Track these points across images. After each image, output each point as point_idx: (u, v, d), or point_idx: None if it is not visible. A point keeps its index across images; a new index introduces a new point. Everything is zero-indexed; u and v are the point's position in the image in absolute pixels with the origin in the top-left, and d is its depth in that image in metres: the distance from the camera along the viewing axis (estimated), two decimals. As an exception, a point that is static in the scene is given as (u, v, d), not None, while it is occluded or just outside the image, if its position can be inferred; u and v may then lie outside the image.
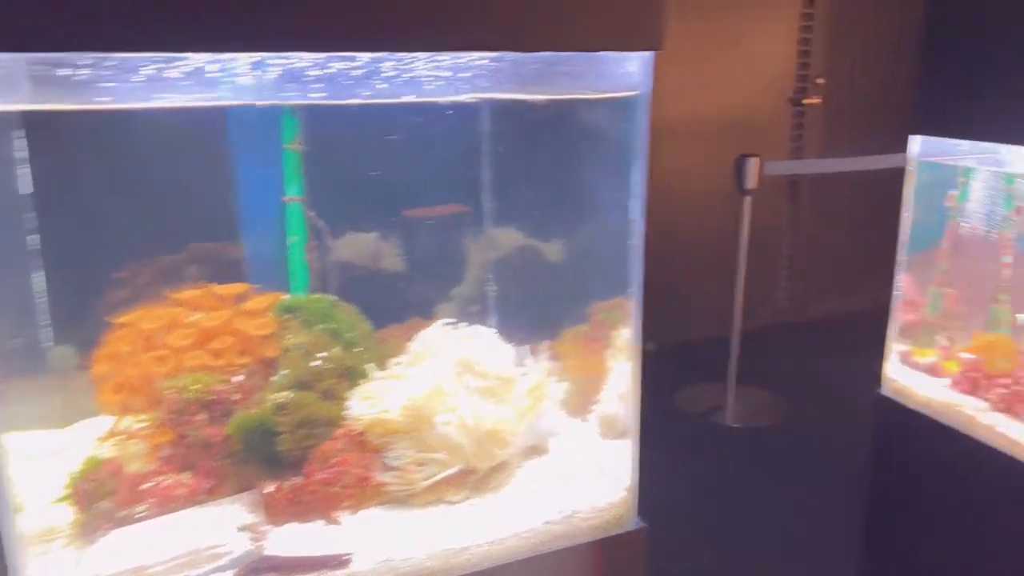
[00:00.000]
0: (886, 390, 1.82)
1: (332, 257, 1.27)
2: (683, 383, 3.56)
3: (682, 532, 2.43)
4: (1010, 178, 1.65)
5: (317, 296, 1.20)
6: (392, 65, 0.88)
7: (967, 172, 1.72)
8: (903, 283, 1.84)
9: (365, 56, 0.86)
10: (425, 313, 1.25)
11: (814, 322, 4.15)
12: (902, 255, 1.79)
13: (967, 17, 1.57)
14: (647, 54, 0.97)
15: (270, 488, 1.03)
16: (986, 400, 1.63)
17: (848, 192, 3.95)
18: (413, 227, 1.28)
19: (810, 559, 2.30)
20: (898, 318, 1.84)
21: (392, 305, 1.27)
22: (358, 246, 1.30)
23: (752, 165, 3.20)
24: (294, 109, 1.21)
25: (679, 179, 3.82)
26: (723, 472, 2.83)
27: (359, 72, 0.87)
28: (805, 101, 3.90)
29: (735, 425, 3.25)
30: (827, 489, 2.61)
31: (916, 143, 1.72)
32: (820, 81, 3.88)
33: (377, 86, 0.88)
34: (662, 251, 4.03)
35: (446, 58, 0.89)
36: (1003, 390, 1.60)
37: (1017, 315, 1.68)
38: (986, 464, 1.58)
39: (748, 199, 3.24)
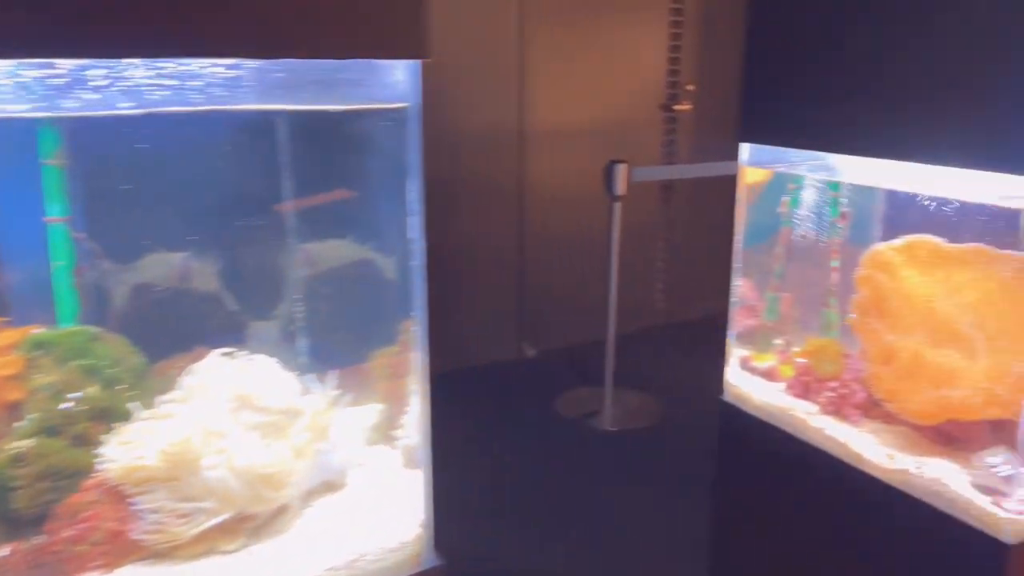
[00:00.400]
0: (728, 395, 1.80)
1: (107, 282, 1.14)
2: (565, 387, 3.52)
3: (546, 538, 2.37)
4: (834, 185, 1.65)
5: (75, 328, 1.06)
6: (104, 73, 0.76)
7: (797, 179, 1.71)
8: (743, 288, 1.83)
9: (66, 63, 0.74)
10: (213, 341, 1.13)
11: (690, 323, 4.18)
12: (737, 261, 1.77)
13: (781, 27, 1.56)
14: (413, 63, 0.88)
15: (3, 552, 0.90)
16: (817, 403, 1.63)
17: (720, 196, 3.99)
18: (200, 245, 1.16)
19: (668, 560, 2.27)
20: (736, 323, 1.82)
21: (176, 334, 1.15)
22: (140, 269, 1.17)
23: (620, 171, 3.18)
24: (53, 121, 1.07)
25: (559, 185, 3.78)
26: (594, 477, 2.79)
27: (61, 80, 0.75)
28: (676, 107, 3.92)
29: (612, 429, 3.22)
30: (689, 491, 2.59)
31: (746, 150, 1.70)
32: (690, 88, 3.92)
33: (85, 96, 0.76)
34: (542, 256, 3.99)
35: (170, 65, 0.79)
36: (831, 393, 1.59)
37: (849, 316, 1.69)
38: (817, 467, 1.57)
39: (618, 205, 3.22)
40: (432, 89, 3.20)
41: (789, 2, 1.54)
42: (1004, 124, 1.23)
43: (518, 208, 3.76)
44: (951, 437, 1.46)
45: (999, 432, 1.42)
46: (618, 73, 3.82)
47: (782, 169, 1.71)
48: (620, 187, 3.21)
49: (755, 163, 1.70)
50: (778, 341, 1.80)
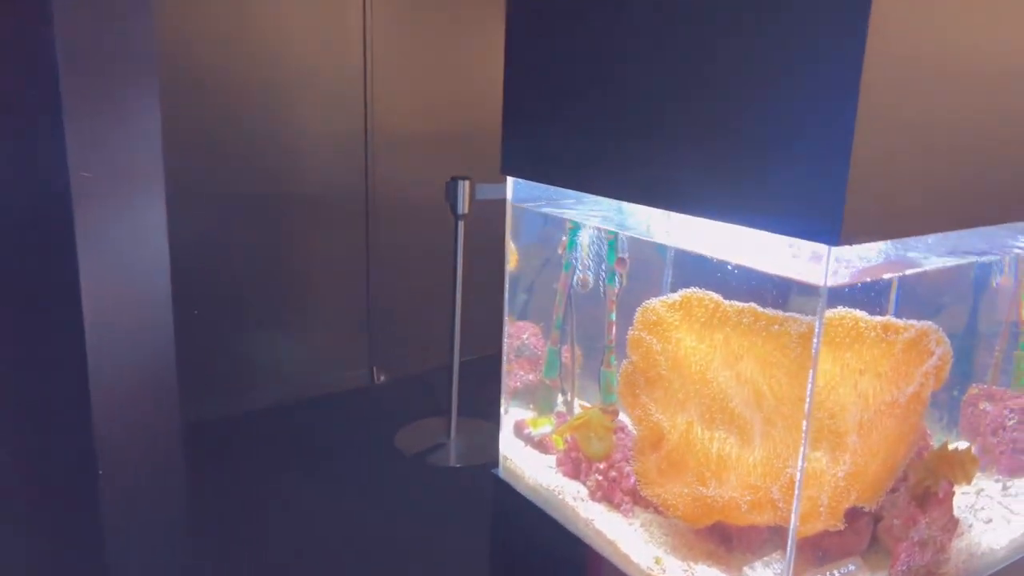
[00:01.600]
0: (501, 470, 1.48)
1: None
2: (413, 417, 3.18)
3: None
4: (610, 231, 1.35)
5: None
6: None
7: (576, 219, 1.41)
8: (521, 339, 1.52)
9: None
10: None
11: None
12: (507, 307, 1.46)
13: (533, 57, 1.26)
14: None
15: None
16: (587, 487, 1.32)
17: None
18: None
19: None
20: (512, 379, 1.51)
21: None
22: None
23: (463, 188, 2.87)
24: None
25: (411, 199, 3.44)
26: (420, 519, 2.46)
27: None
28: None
29: (455, 465, 2.90)
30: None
31: (511, 184, 1.39)
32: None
33: None
34: (393, 275, 3.64)
35: None
36: (599, 476, 1.29)
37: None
38: (588, 569, 1.27)
39: (462, 223, 2.91)
40: (270, 93, 2.72)
41: (540, 30, 1.24)
42: (736, 172, 0.95)
43: (365, 223, 3.39)
44: (727, 535, 1.17)
45: (779, 532, 1.14)
46: (476, 82, 3.50)
47: (567, 204, 1.41)
48: (463, 205, 2.89)
49: (525, 199, 1.40)
50: (559, 403, 1.50)
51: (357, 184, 3.31)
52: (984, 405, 1.37)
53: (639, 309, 1.25)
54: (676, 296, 1.23)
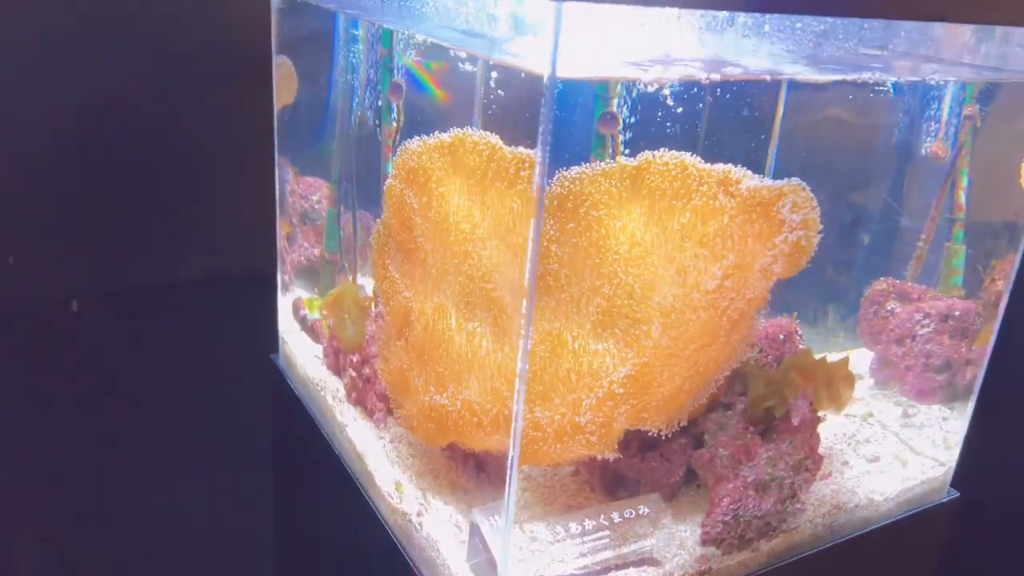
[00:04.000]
0: (280, 356, 1.18)
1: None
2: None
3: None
4: (386, 32, 0.97)
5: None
6: None
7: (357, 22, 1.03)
8: (319, 202, 1.17)
9: None
10: None
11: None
12: (276, 155, 1.10)
13: None
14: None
15: None
16: (344, 384, 1.01)
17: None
18: None
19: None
20: (294, 253, 1.17)
21: None
22: None
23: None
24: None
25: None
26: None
27: None
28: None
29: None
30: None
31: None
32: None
33: None
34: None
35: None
36: (353, 373, 0.97)
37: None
38: (337, 487, 0.97)
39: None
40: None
41: None
42: None
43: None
44: (480, 464, 0.85)
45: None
46: None
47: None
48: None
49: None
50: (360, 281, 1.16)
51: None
52: (892, 305, 1.01)
53: (399, 150, 0.88)
54: (445, 136, 0.86)
